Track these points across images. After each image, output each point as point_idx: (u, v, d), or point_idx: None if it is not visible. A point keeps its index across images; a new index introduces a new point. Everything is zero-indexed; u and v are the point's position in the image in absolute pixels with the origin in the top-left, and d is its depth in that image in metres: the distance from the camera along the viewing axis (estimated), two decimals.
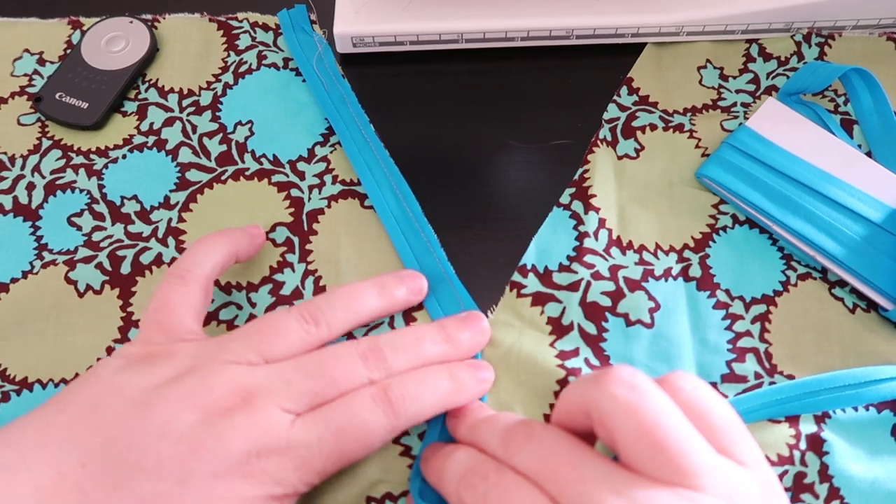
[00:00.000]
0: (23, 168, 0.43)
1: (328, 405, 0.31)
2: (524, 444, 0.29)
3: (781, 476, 0.34)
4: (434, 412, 0.33)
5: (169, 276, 0.34)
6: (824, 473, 0.35)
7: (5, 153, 0.44)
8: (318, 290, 0.39)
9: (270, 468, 0.29)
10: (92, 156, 0.44)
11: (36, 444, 0.28)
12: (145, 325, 0.33)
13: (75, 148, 0.44)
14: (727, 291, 0.39)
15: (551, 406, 0.36)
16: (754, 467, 0.27)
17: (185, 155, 0.44)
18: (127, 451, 0.28)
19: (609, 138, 0.44)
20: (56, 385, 0.37)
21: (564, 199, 0.42)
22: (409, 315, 0.38)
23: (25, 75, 0.46)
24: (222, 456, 0.28)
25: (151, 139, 0.44)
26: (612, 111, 0.45)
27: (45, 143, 0.44)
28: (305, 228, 0.41)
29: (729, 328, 0.38)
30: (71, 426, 0.29)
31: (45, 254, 0.41)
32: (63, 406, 0.30)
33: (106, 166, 0.43)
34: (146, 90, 0.46)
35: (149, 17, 0.48)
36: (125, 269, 0.40)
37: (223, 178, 0.43)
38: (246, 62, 0.47)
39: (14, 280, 0.40)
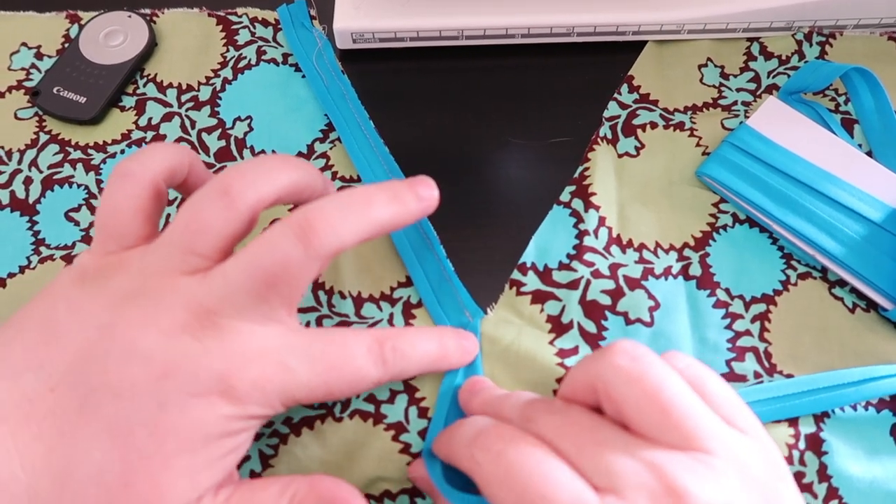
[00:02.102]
0: (20, 163, 0.43)
1: (323, 337, 0.30)
2: (544, 413, 0.29)
3: None
4: (416, 372, 0.33)
5: (112, 175, 0.32)
6: (823, 473, 0.35)
7: (2, 147, 0.44)
8: (317, 286, 0.39)
9: (252, 390, 0.28)
10: (90, 151, 0.43)
11: (3, 368, 0.27)
12: (96, 229, 0.31)
13: (73, 143, 0.44)
14: (727, 290, 0.39)
15: None
16: (756, 436, 0.27)
17: None
18: (97, 374, 0.27)
19: (609, 136, 0.44)
20: None
21: (564, 196, 0.42)
22: (408, 313, 0.38)
23: (23, 69, 0.46)
24: (200, 376, 0.27)
25: (150, 134, 0.44)
26: (612, 109, 0.45)
27: (43, 138, 0.44)
28: None
29: (729, 327, 0.38)
30: (33, 349, 0.28)
31: (42, 249, 0.41)
32: (22, 327, 0.29)
33: (104, 161, 0.43)
34: (144, 85, 0.46)
35: (147, 11, 0.48)
36: None
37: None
38: (245, 57, 0.46)
39: (11, 275, 0.40)
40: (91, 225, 0.41)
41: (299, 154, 0.43)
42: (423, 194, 0.33)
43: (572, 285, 0.39)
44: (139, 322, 0.28)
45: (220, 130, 0.44)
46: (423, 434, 0.35)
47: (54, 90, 0.44)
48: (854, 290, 0.39)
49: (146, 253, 0.30)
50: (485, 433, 0.29)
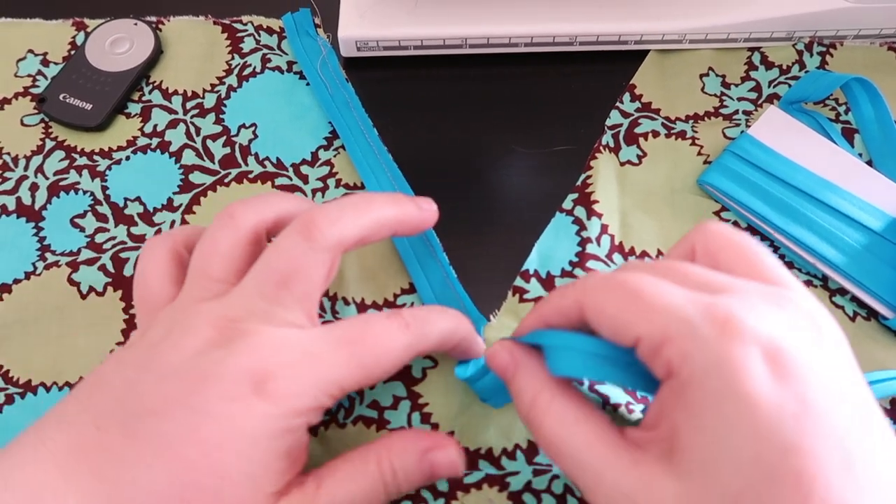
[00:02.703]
0: (26, 169, 0.43)
1: (341, 322, 0.31)
2: (633, 267, 0.29)
3: None
4: (438, 339, 0.32)
5: (143, 249, 0.34)
6: None
7: (9, 154, 0.44)
8: None
9: (284, 383, 0.28)
10: (95, 157, 0.44)
11: (53, 424, 0.28)
12: (135, 303, 0.34)
13: (79, 149, 0.44)
14: None
15: None
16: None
17: (189, 157, 0.44)
18: (136, 401, 0.28)
19: (612, 144, 0.44)
20: (60, 388, 0.37)
21: (567, 204, 0.42)
22: None
23: (29, 76, 0.46)
24: (231, 378, 0.27)
25: (155, 141, 0.44)
26: (614, 117, 0.45)
27: (49, 144, 0.44)
28: None
29: None
30: (82, 400, 0.29)
31: (47, 255, 0.41)
32: (76, 391, 0.30)
33: (109, 168, 0.43)
34: (150, 92, 0.46)
35: (153, 19, 0.48)
36: (128, 271, 0.40)
37: (226, 180, 0.43)
38: (250, 65, 0.47)
39: (16, 281, 0.40)
40: (96, 231, 0.41)
41: (303, 161, 0.43)
42: (423, 206, 0.34)
43: None
44: (170, 350, 0.29)
45: (224, 137, 0.44)
46: None
47: (60, 97, 0.45)
48: (855, 299, 0.39)
49: (174, 302, 0.31)
50: (589, 278, 0.29)
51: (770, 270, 0.28)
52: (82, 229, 0.42)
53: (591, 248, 0.40)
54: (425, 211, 0.34)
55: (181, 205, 0.42)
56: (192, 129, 0.45)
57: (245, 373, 0.28)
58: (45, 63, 0.47)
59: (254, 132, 0.45)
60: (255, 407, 0.27)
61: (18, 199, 0.42)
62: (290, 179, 0.43)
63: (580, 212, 0.41)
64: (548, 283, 0.40)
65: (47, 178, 0.43)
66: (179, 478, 0.27)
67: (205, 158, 0.44)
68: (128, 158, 0.44)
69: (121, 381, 0.29)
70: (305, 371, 0.28)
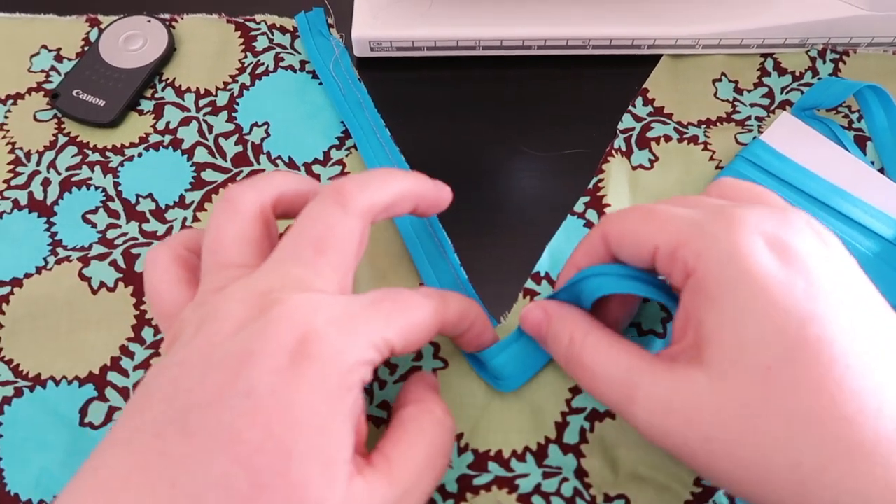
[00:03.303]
0: (38, 164, 0.43)
1: (372, 291, 0.30)
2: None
3: None
4: (459, 312, 0.33)
5: (147, 257, 0.33)
6: None
7: (21, 149, 0.44)
8: None
9: (329, 340, 0.27)
10: (108, 153, 0.44)
11: (109, 443, 0.27)
12: (155, 318, 0.33)
13: (91, 145, 0.44)
14: None
15: (564, 409, 0.36)
16: None
17: (201, 155, 0.44)
18: (184, 398, 0.26)
19: (624, 148, 0.44)
20: (69, 382, 0.37)
21: (578, 207, 0.42)
22: None
23: (42, 71, 0.47)
24: (273, 350, 0.26)
25: (167, 138, 0.44)
26: (627, 121, 0.45)
27: (62, 140, 0.44)
28: None
29: None
30: (136, 413, 0.27)
31: (59, 250, 0.41)
32: (127, 410, 0.28)
33: (122, 164, 0.43)
34: (163, 89, 0.46)
35: (167, 16, 0.48)
36: (139, 267, 0.40)
37: (238, 178, 0.43)
38: (263, 64, 0.47)
39: (28, 275, 0.40)
40: (108, 227, 0.41)
41: (315, 161, 0.44)
42: (439, 184, 0.35)
43: None
44: (206, 341, 0.27)
45: (237, 135, 0.44)
46: None
47: (73, 93, 0.45)
48: None
49: (191, 304, 0.30)
50: (608, 214, 0.33)
51: (777, 201, 0.31)
52: (94, 225, 0.42)
53: None
54: (442, 189, 0.35)
55: (193, 202, 0.42)
56: (205, 127, 0.45)
57: (287, 339, 0.26)
58: (59, 59, 0.47)
59: (266, 131, 0.45)
60: (306, 373, 0.26)
61: (30, 194, 0.42)
62: None
63: (592, 215, 0.41)
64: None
65: (59, 174, 0.43)
66: (246, 464, 0.25)
67: (217, 156, 0.44)
68: (140, 155, 0.44)
69: (167, 383, 0.27)
70: (347, 325, 0.27)
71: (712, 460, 0.27)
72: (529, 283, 0.40)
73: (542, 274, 0.40)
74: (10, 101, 0.45)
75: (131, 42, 0.47)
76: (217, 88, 0.46)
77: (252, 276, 0.29)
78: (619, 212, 0.32)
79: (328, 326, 0.27)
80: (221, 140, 0.44)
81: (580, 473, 0.35)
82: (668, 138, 0.44)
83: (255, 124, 0.45)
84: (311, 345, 0.26)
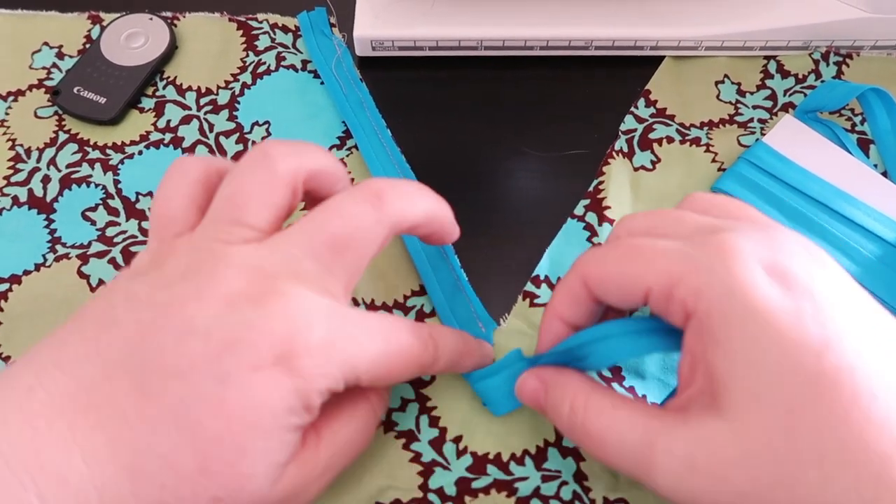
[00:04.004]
0: (38, 161, 0.43)
1: (373, 314, 0.29)
2: (629, 220, 0.32)
3: None
4: (445, 363, 0.32)
5: (168, 170, 0.31)
6: None
7: (21, 145, 0.44)
8: None
9: (313, 361, 0.26)
10: (108, 151, 0.44)
11: (52, 363, 0.26)
12: (150, 222, 0.31)
13: (92, 142, 0.44)
14: None
15: None
16: None
17: (202, 153, 0.44)
18: (154, 356, 0.25)
19: (625, 150, 0.44)
20: None
21: (578, 210, 0.42)
22: (421, 322, 0.38)
23: (44, 68, 0.46)
24: (262, 344, 0.25)
25: (168, 136, 0.44)
26: (629, 122, 0.45)
27: (62, 137, 0.44)
28: None
29: None
30: (88, 339, 0.26)
31: (58, 247, 0.41)
32: (79, 323, 0.27)
33: (122, 162, 0.43)
34: (164, 87, 0.46)
35: (169, 14, 0.48)
36: None
37: None
38: (264, 63, 0.47)
39: (27, 272, 0.40)
40: (107, 224, 0.41)
41: None
42: (453, 219, 0.34)
43: None
44: (194, 296, 0.26)
45: (237, 134, 0.44)
46: (433, 443, 0.35)
47: (75, 90, 0.45)
48: None
49: (194, 234, 0.29)
50: (584, 255, 0.31)
51: (758, 215, 0.30)
52: (93, 222, 0.41)
53: None
54: (455, 225, 0.33)
55: None
56: (206, 126, 0.45)
57: (276, 341, 0.26)
58: (60, 56, 0.47)
59: (267, 130, 0.44)
60: (281, 381, 0.26)
61: (30, 191, 0.42)
62: None
63: (591, 218, 0.41)
64: None
65: (59, 171, 0.43)
66: (200, 448, 0.25)
67: (217, 155, 0.44)
68: (140, 153, 0.44)
69: (134, 325, 0.26)
70: (340, 348, 0.27)
71: None
72: (529, 286, 0.40)
73: (542, 277, 0.40)
74: (12, 98, 0.45)
75: (133, 40, 0.46)
76: (218, 87, 0.46)
77: (261, 248, 0.28)
78: (596, 251, 0.30)
79: (319, 349, 0.26)
80: (222, 139, 0.44)
81: (579, 477, 0.35)
82: (670, 140, 0.44)
83: (256, 123, 0.45)
84: (295, 360, 0.26)
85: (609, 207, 0.41)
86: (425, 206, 0.31)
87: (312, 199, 0.32)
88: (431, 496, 0.34)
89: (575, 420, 0.29)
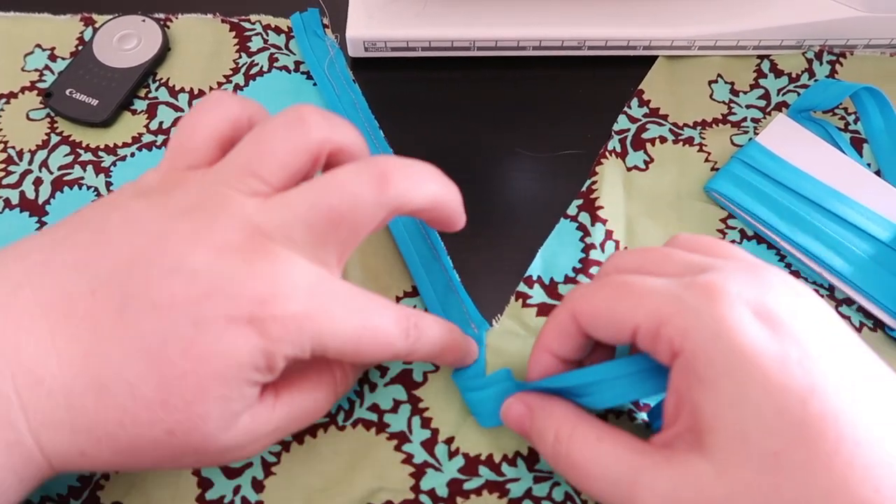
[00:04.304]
0: (30, 163, 0.43)
1: (362, 294, 0.29)
2: (616, 259, 0.32)
3: None
4: (424, 356, 0.32)
5: (203, 99, 0.32)
6: None
7: (13, 148, 0.44)
8: None
9: (285, 328, 0.27)
10: (100, 153, 0.44)
11: (42, 263, 0.27)
12: (169, 145, 0.31)
13: (84, 145, 0.44)
14: None
15: None
16: None
17: None
18: (139, 284, 0.26)
19: (618, 150, 0.44)
20: None
21: (571, 210, 0.42)
22: None
23: (36, 70, 0.46)
24: (241, 298, 0.26)
25: (160, 138, 0.44)
26: (622, 122, 0.45)
27: (54, 139, 0.44)
28: None
29: None
30: (81, 248, 0.27)
31: None
32: (74, 228, 0.28)
33: (114, 164, 0.43)
34: (156, 89, 0.46)
35: (161, 16, 0.48)
36: None
37: None
38: (257, 64, 0.47)
39: None
40: None
41: None
42: (462, 206, 0.33)
43: None
44: (190, 236, 0.27)
45: None
46: (425, 444, 0.35)
47: (67, 92, 0.44)
48: (861, 309, 0.39)
49: (208, 172, 0.29)
50: (574, 290, 0.31)
51: (743, 255, 0.30)
52: None
53: (594, 255, 0.40)
54: (462, 214, 0.33)
55: None
56: None
57: (255, 300, 0.26)
58: (53, 58, 0.47)
59: None
60: (251, 338, 0.26)
61: (22, 194, 0.42)
62: None
63: (584, 218, 0.41)
64: (551, 289, 0.39)
65: (52, 173, 0.43)
66: (165, 382, 0.26)
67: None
68: (133, 155, 0.44)
69: (127, 247, 0.27)
70: (315, 323, 0.27)
71: None
72: (522, 287, 0.40)
73: (535, 278, 0.40)
74: (3, 100, 0.45)
75: (125, 41, 0.46)
76: (211, 88, 0.46)
77: (264, 205, 0.28)
78: (587, 288, 0.30)
79: (294, 317, 0.27)
80: None
81: None
82: (663, 140, 0.44)
83: None
84: (272, 323, 0.26)
85: (602, 207, 0.41)
86: (431, 192, 0.30)
87: (328, 166, 0.31)
88: (423, 497, 0.34)
89: (559, 449, 0.30)
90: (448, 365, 0.36)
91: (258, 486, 0.35)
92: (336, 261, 0.29)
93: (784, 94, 0.46)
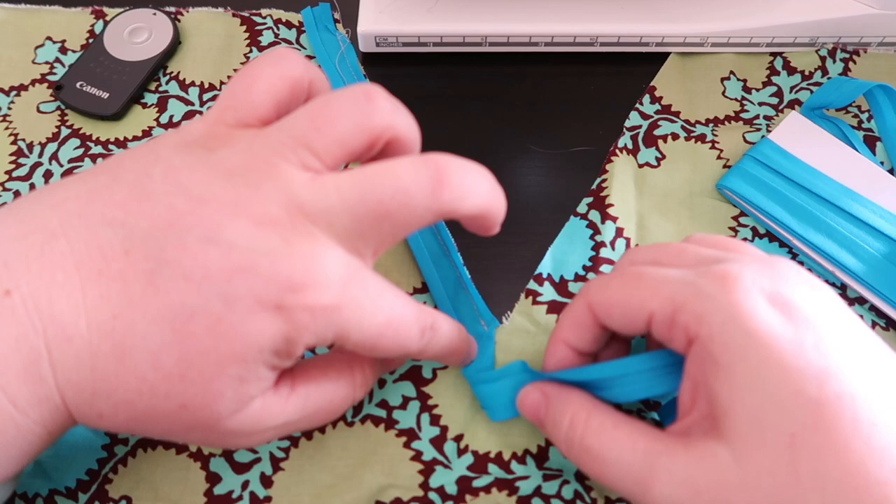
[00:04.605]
0: (41, 156, 0.43)
1: (392, 291, 0.29)
2: (632, 255, 0.33)
3: None
4: (434, 356, 0.32)
5: (267, 53, 0.30)
6: None
7: (24, 140, 0.44)
8: None
9: (311, 317, 0.26)
10: (111, 146, 0.44)
11: (78, 215, 0.26)
12: (222, 95, 0.29)
13: (94, 138, 0.44)
14: None
15: None
16: None
17: None
18: (174, 249, 0.25)
19: (630, 146, 0.43)
20: None
21: (582, 208, 0.42)
22: None
23: (47, 63, 0.46)
24: (275, 279, 0.25)
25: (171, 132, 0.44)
26: (634, 119, 0.44)
27: (64, 132, 0.44)
28: None
29: None
30: (118, 203, 0.26)
31: None
32: (113, 177, 0.27)
33: None
34: (167, 83, 0.46)
35: (172, 9, 0.48)
36: None
37: None
38: None
39: None
40: None
41: None
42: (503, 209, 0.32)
43: None
44: (231, 204, 0.26)
45: None
46: (434, 442, 0.35)
47: (77, 85, 0.44)
48: (874, 308, 0.39)
49: (259, 134, 0.28)
50: (591, 282, 0.31)
51: (758, 251, 0.31)
52: None
53: (605, 253, 0.40)
54: (501, 218, 0.31)
55: None
56: None
57: (287, 283, 0.25)
58: (63, 51, 0.47)
59: None
60: (276, 322, 0.25)
61: (32, 186, 0.42)
62: None
63: (594, 216, 0.41)
64: (561, 287, 0.39)
65: (62, 166, 0.43)
66: (186, 355, 0.25)
67: None
68: None
69: (165, 209, 0.26)
70: (343, 316, 0.26)
71: None
72: (532, 284, 0.39)
73: (545, 275, 0.40)
74: (14, 93, 0.45)
75: (136, 35, 0.46)
76: (221, 82, 0.46)
77: (312, 184, 0.26)
78: (603, 279, 0.31)
79: (324, 308, 0.26)
80: None
81: (581, 476, 0.35)
82: (675, 136, 0.44)
83: None
84: (300, 311, 0.26)
85: (612, 205, 0.41)
86: (483, 202, 0.29)
87: (381, 153, 0.30)
88: (432, 495, 0.34)
89: (574, 435, 0.29)
90: (449, 364, 0.36)
91: (267, 481, 0.35)
92: (372, 252, 0.28)
93: (797, 91, 0.45)
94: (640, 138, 0.44)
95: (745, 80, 0.46)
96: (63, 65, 0.46)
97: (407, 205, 0.27)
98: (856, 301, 0.39)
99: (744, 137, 0.43)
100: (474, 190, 0.28)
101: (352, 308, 0.27)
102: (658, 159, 0.43)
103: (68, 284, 0.25)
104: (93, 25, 0.48)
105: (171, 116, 0.45)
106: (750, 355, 0.25)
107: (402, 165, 0.27)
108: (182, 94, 0.45)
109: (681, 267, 0.29)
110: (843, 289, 0.39)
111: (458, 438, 0.35)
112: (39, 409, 0.26)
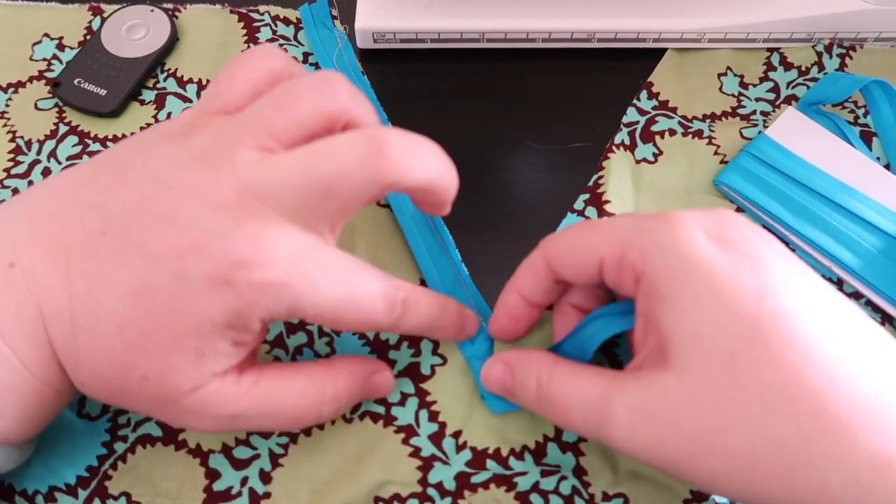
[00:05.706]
0: (39, 153, 0.43)
1: (353, 266, 0.29)
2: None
3: None
4: (412, 331, 0.32)
5: (253, 48, 0.32)
6: None
7: (22, 137, 0.44)
8: None
9: (261, 291, 0.27)
10: (109, 143, 0.44)
11: (72, 199, 0.29)
12: (208, 87, 0.32)
13: (92, 135, 0.44)
14: None
15: None
16: None
17: None
18: (140, 231, 0.27)
19: (627, 142, 0.43)
20: None
21: (578, 205, 0.42)
22: None
23: (44, 60, 0.46)
24: (223, 257, 0.26)
25: None
26: (631, 115, 0.45)
27: (62, 129, 0.44)
28: None
29: None
30: (102, 189, 0.28)
31: None
32: (102, 166, 0.30)
33: None
34: (165, 79, 0.46)
35: (170, 6, 0.48)
36: None
37: None
38: None
39: None
40: None
41: None
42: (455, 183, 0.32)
43: None
44: (190, 189, 0.27)
45: None
46: (433, 438, 0.35)
47: (75, 82, 0.44)
48: (870, 303, 0.39)
49: (228, 120, 0.29)
50: (546, 238, 0.33)
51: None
52: None
53: None
54: (451, 198, 0.32)
55: None
56: None
57: (235, 261, 0.26)
58: (61, 47, 0.47)
59: None
60: (226, 298, 0.27)
61: (30, 183, 0.42)
62: None
63: (591, 212, 0.41)
64: None
65: (60, 163, 0.43)
66: (146, 328, 0.27)
67: None
68: None
69: (138, 194, 0.28)
70: (294, 291, 0.27)
71: (698, 461, 0.26)
72: None
73: None
74: (12, 90, 0.45)
75: (134, 31, 0.46)
76: None
77: (260, 165, 0.27)
78: (556, 234, 0.32)
79: (272, 284, 0.27)
80: None
81: (579, 472, 0.35)
82: (672, 132, 0.44)
83: None
84: (248, 287, 0.27)
85: (609, 202, 0.41)
86: (429, 174, 0.29)
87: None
88: (431, 491, 0.34)
89: (541, 394, 0.31)
90: (442, 339, 0.37)
91: (266, 477, 0.35)
92: (329, 227, 0.29)
93: (794, 87, 0.45)
94: (637, 134, 0.44)
95: (741, 76, 0.46)
96: (61, 61, 0.46)
97: (348, 178, 0.27)
98: (851, 296, 0.39)
99: (741, 133, 0.44)
100: (419, 162, 0.29)
101: (304, 283, 0.27)
102: (655, 155, 0.43)
103: (59, 261, 0.27)
104: (90, 22, 0.48)
105: (170, 113, 0.45)
106: (690, 283, 0.27)
107: (343, 140, 0.28)
108: (180, 90, 0.45)
109: (632, 218, 0.30)
110: (839, 283, 0.39)
111: (457, 435, 0.36)
112: (46, 370, 0.28)
